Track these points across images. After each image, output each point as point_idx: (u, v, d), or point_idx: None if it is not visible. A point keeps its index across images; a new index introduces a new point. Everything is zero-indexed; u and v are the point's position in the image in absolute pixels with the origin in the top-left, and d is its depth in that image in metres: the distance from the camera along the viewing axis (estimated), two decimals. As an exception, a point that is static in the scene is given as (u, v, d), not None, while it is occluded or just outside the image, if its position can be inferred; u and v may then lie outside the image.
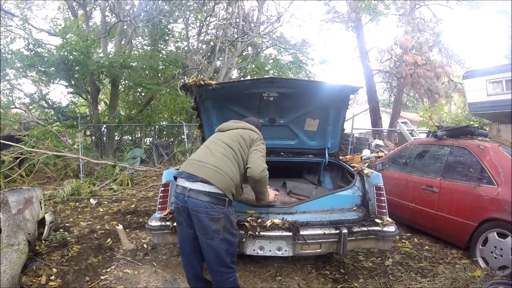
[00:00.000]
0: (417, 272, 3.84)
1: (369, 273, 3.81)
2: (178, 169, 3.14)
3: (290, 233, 3.06)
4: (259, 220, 3.21)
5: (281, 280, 3.63)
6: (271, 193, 3.26)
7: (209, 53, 13.03)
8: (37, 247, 4.20)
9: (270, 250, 3.17)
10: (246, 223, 3.12)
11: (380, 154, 9.03)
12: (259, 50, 14.97)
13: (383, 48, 16.87)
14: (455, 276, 3.63)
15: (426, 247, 4.68)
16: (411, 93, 20.87)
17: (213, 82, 3.77)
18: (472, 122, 10.45)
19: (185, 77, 12.76)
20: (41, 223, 4.34)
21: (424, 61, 15.16)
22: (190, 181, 2.64)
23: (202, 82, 3.72)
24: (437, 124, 6.91)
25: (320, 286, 3.55)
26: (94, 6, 14.07)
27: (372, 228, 3.24)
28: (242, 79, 13.05)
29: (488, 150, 4.26)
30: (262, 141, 3.12)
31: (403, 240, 4.87)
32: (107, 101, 14.49)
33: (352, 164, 4.25)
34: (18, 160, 8.48)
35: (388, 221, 3.32)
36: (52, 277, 3.64)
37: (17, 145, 8.44)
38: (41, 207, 4.28)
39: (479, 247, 4.01)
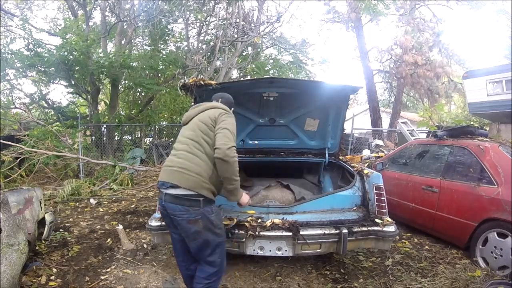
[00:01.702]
0: (417, 272, 3.84)
1: (369, 273, 3.81)
2: None
3: (290, 233, 3.07)
4: (259, 220, 3.21)
5: (281, 280, 3.63)
6: (245, 196, 2.88)
7: (209, 53, 13.01)
8: (37, 247, 4.21)
9: (270, 250, 3.18)
10: (246, 223, 3.13)
11: (380, 154, 9.03)
12: (259, 50, 14.96)
13: (383, 48, 16.85)
14: (455, 276, 3.63)
15: (426, 247, 4.68)
16: (411, 93, 20.88)
17: (213, 82, 3.78)
18: (472, 122, 10.45)
19: (185, 77, 12.74)
20: (41, 223, 4.34)
21: (424, 61, 15.14)
22: (163, 188, 2.63)
23: (202, 82, 3.72)
24: (437, 124, 6.91)
25: (320, 286, 3.56)
26: (94, 6, 14.05)
27: (372, 228, 3.24)
28: (242, 79, 13.05)
29: (488, 150, 4.26)
30: (227, 115, 2.82)
31: (403, 240, 4.87)
32: (107, 101, 14.49)
33: (352, 164, 4.26)
34: (18, 160, 8.48)
35: (388, 221, 3.32)
36: (52, 277, 3.64)
37: (17, 145, 8.44)
38: (41, 207, 4.28)
39: (479, 247, 4.01)
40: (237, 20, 11.98)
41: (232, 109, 3.09)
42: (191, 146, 2.69)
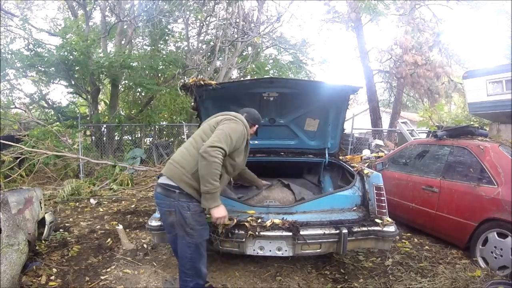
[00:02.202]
0: (417, 272, 3.84)
1: (369, 273, 3.81)
2: None
3: (290, 233, 3.07)
4: (259, 220, 3.21)
5: (281, 280, 3.63)
6: (218, 210, 2.62)
7: (209, 53, 13.02)
8: (37, 247, 4.20)
9: (270, 250, 3.18)
10: (246, 223, 3.13)
11: (380, 154, 9.03)
12: (259, 50, 14.95)
13: (383, 48, 16.87)
14: (455, 276, 3.63)
15: (426, 247, 4.68)
16: (411, 93, 20.87)
17: (213, 82, 3.78)
18: (472, 122, 10.45)
19: (185, 77, 12.75)
20: (41, 223, 4.34)
21: (424, 61, 15.14)
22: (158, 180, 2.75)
23: (202, 82, 3.72)
24: (437, 124, 6.91)
25: (320, 286, 3.56)
26: (94, 6, 14.06)
27: (372, 228, 3.24)
28: (242, 79, 13.04)
29: (488, 150, 4.27)
30: (231, 121, 2.82)
31: (403, 240, 4.87)
32: (107, 101, 14.48)
33: (352, 164, 4.26)
34: (18, 160, 8.48)
35: (388, 221, 3.32)
36: (52, 277, 3.64)
37: (17, 145, 8.44)
38: (41, 207, 4.28)
39: (479, 247, 4.01)
40: (237, 20, 11.98)
41: (257, 126, 3.25)
42: (188, 143, 2.81)
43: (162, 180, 2.67)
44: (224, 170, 2.75)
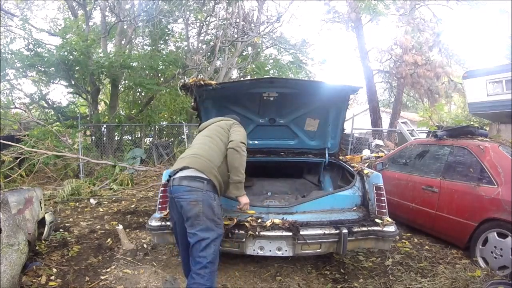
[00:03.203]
0: (417, 272, 3.84)
1: (369, 273, 3.81)
2: None
3: (290, 233, 3.07)
4: (259, 220, 3.22)
5: (281, 280, 3.62)
6: (245, 197, 3.07)
7: (209, 53, 13.02)
8: (37, 247, 4.20)
9: (270, 250, 3.18)
10: (246, 223, 3.13)
11: (380, 154, 9.02)
12: (259, 50, 14.95)
13: (383, 48, 16.85)
14: (455, 276, 3.63)
15: (426, 247, 4.68)
16: (411, 93, 20.85)
17: (213, 82, 3.78)
18: (472, 122, 10.45)
19: (185, 77, 12.75)
20: (41, 223, 4.34)
21: (424, 61, 15.13)
22: (173, 175, 2.79)
23: (202, 82, 3.72)
24: (437, 124, 6.91)
25: (320, 286, 3.55)
26: (94, 6, 14.06)
27: (372, 228, 3.25)
28: (242, 79, 13.05)
29: (488, 150, 4.26)
30: (239, 125, 3.32)
31: (403, 240, 4.87)
32: (107, 101, 14.48)
33: (352, 164, 4.26)
34: (18, 160, 8.48)
35: (388, 221, 3.33)
36: (52, 277, 3.64)
37: (17, 145, 8.45)
38: (41, 207, 4.28)
39: (479, 247, 4.01)
40: (237, 20, 11.98)
41: None
42: (206, 141, 3.03)
43: (189, 172, 2.71)
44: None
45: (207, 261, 2.58)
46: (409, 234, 5.12)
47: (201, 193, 2.64)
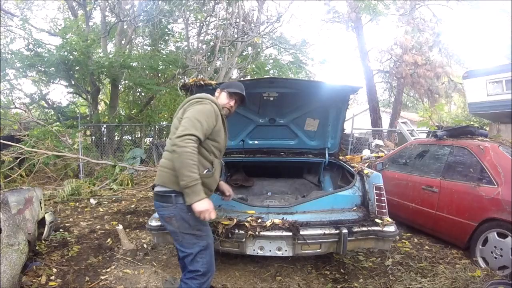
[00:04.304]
0: (417, 272, 3.84)
1: (369, 273, 3.81)
2: None
3: (290, 233, 3.07)
4: (259, 220, 3.21)
5: (281, 280, 3.63)
6: (201, 204, 2.31)
7: (209, 53, 13.01)
8: (37, 247, 4.20)
9: (270, 250, 3.18)
10: (246, 223, 3.13)
11: (380, 154, 9.02)
12: (259, 50, 14.94)
13: (383, 48, 16.85)
14: (455, 276, 3.63)
15: (426, 247, 4.68)
16: (411, 93, 20.86)
17: (213, 82, 3.78)
18: (472, 122, 10.44)
19: (185, 77, 12.75)
20: (41, 223, 4.34)
21: (424, 61, 15.13)
22: None
23: (202, 82, 3.72)
24: (437, 124, 6.90)
25: (320, 286, 3.56)
26: (94, 6, 14.06)
27: (372, 228, 3.24)
28: (242, 79, 13.03)
29: (488, 150, 4.27)
30: (196, 103, 2.56)
31: (403, 240, 4.87)
32: (107, 101, 14.49)
33: (352, 164, 4.26)
34: (18, 160, 8.48)
35: (388, 221, 3.32)
36: (52, 277, 3.64)
37: (17, 145, 8.44)
38: (41, 207, 4.28)
39: (479, 247, 4.01)
40: (237, 20, 11.98)
41: (239, 97, 2.92)
42: (167, 144, 2.64)
43: (157, 189, 2.52)
44: (213, 156, 2.61)
45: (197, 274, 2.47)
46: (409, 234, 5.12)
47: (172, 208, 2.43)
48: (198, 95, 2.67)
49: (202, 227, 2.52)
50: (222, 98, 2.85)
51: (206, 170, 2.54)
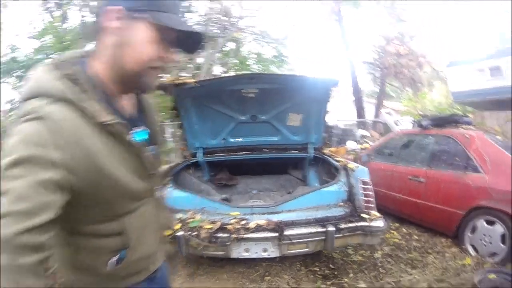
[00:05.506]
0: (407, 263, 3.83)
1: (358, 267, 3.76)
2: None
3: (276, 234, 2.99)
4: (243, 222, 3.11)
5: (270, 280, 3.55)
6: None
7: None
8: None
9: (256, 252, 3.10)
10: (230, 226, 3.03)
11: (365, 145, 9.00)
12: (239, 45, 14.81)
13: (366, 40, 16.90)
14: (445, 265, 3.63)
15: (415, 236, 4.66)
16: (394, 83, 20.97)
17: (191, 81, 3.66)
18: (455, 110, 10.52)
19: (163, 75, 12.55)
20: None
21: (406, 51, 15.20)
22: None
23: (180, 81, 3.60)
24: (421, 113, 6.91)
25: (310, 284, 3.49)
26: (70, 7, 13.74)
27: (360, 223, 3.18)
28: (221, 75, 12.91)
29: (473, 138, 4.25)
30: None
31: (392, 231, 4.82)
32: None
33: (336, 158, 4.17)
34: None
35: (375, 215, 3.25)
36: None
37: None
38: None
39: (468, 234, 4.01)
40: (217, 15, 11.85)
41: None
42: None
43: None
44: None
45: None
46: (397, 225, 5.09)
47: None
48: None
49: None
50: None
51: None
